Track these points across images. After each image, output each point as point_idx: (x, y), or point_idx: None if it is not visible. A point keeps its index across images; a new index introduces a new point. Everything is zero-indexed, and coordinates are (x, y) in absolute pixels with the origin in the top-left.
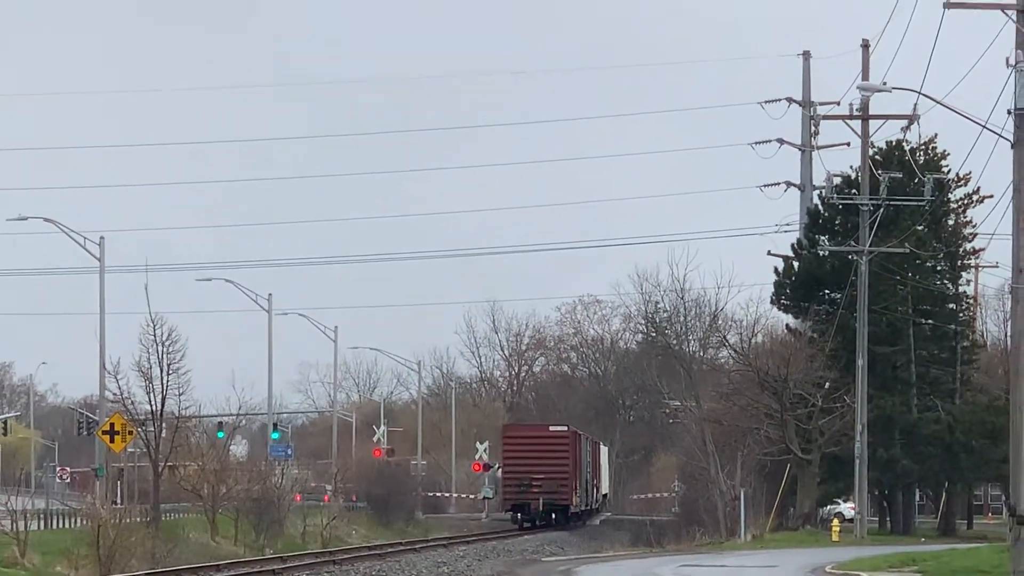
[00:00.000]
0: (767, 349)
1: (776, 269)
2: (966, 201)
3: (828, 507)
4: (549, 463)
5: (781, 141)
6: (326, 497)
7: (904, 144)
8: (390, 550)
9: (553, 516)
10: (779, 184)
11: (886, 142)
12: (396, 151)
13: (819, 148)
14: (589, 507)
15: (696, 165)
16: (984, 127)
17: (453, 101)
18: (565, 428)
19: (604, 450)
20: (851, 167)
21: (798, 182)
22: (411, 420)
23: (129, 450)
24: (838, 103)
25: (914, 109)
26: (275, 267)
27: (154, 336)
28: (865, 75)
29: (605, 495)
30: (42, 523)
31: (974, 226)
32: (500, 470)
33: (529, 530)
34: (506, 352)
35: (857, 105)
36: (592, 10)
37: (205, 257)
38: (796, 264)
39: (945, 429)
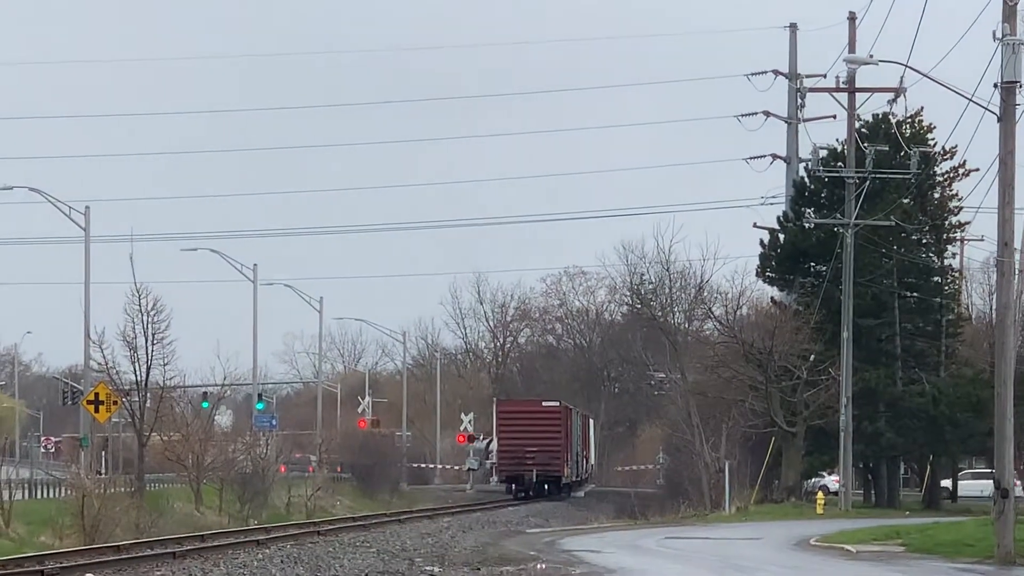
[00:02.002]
0: (752, 321)
1: (762, 241)
2: (952, 174)
3: (813, 480)
4: (542, 437)
5: (767, 113)
6: (311, 468)
7: (890, 117)
8: (374, 521)
9: (546, 487)
10: (765, 156)
11: (872, 115)
12: (382, 122)
13: (805, 120)
14: (580, 478)
15: (682, 137)
16: (971, 100)
17: (439, 73)
18: (557, 403)
19: (592, 423)
20: (837, 140)
21: (784, 154)
22: (396, 391)
23: (114, 420)
24: (824, 76)
25: (900, 82)
26: (261, 237)
27: (139, 306)
28: (852, 48)
29: (593, 466)
30: (26, 493)
31: (960, 199)
32: (495, 443)
33: (518, 501)
34: (491, 323)
35: (844, 78)
36: None
37: (191, 227)
38: (782, 236)
39: (930, 402)
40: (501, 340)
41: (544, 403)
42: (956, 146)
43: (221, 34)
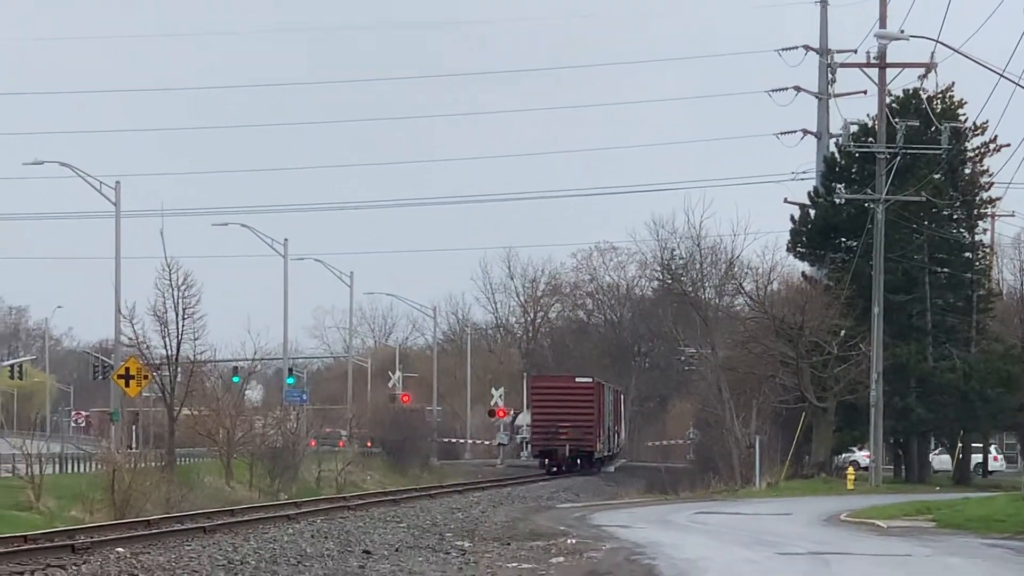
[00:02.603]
0: (783, 297)
1: (792, 217)
2: (983, 150)
3: (843, 455)
4: (575, 412)
5: (798, 89)
6: (341, 443)
7: (921, 92)
8: (404, 496)
9: (579, 461)
10: (796, 132)
11: (903, 90)
12: (414, 97)
13: (836, 96)
14: (611, 453)
15: (713, 113)
16: (1001, 76)
17: (471, 48)
18: (590, 379)
19: (623, 398)
20: (868, 115)
21: (815, 130)
22: (426, 366)
23: (144, 394)
24: (855, 51)
25: (931, 57)
26: (291, 212)
27: (169, 281)
28: (883, 23)
29: (624, 441)
30: (57, 467)
31: (991, 175)
32: (526, 418)
33: (548, 476)
34: (522, 298)
35: (874, 53)
36: None
37: (221, 202)
38: (812, 212)
39: (960, 378)
40: (531, 315)
41: (577, 379)
42: (987, 121)
43: (260, 6)
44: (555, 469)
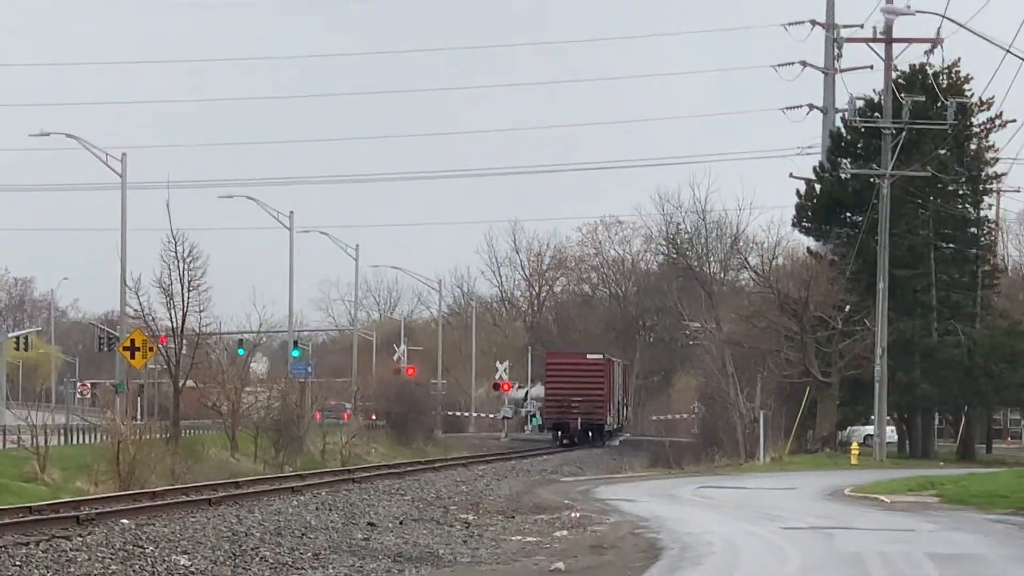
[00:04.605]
0: (788, 271)
1: (798, 191)
2: (989, 125)
3: (848, 429)
4: (587, 387)
5: (804, 64)
6: (345, 415)
7: (927, 68)
8: (409, 468)
9: (590, 434)
10: (802, 107)
11: (909, 65)
12: (421, 69)
13: (842, 71)
14: (620, 425)
15: (719, 87)
16: (1008, 51)
17: (477, 20)
18: (601, 356)
19: (630, 373)
20: (874, 90)
21: (821, 105)
22: (431, 339)
23: (150, 366)
24: (862, 26)
25: (938, 33)
26: (297, 185)
27: (175, 253)
28: None
29: (629, 415)
30: (62, 438)
31: (996, 150)
32: (531, 391)
33: (553, 450)
34: (527, 272)
35: (881, 28)
36: None
37: (227, 175)
38: (818, 187)
39: (965, 353)
40: (537, 289)
41: (589, 356)
42: (993, 97)
43: None
44: (566, 441)
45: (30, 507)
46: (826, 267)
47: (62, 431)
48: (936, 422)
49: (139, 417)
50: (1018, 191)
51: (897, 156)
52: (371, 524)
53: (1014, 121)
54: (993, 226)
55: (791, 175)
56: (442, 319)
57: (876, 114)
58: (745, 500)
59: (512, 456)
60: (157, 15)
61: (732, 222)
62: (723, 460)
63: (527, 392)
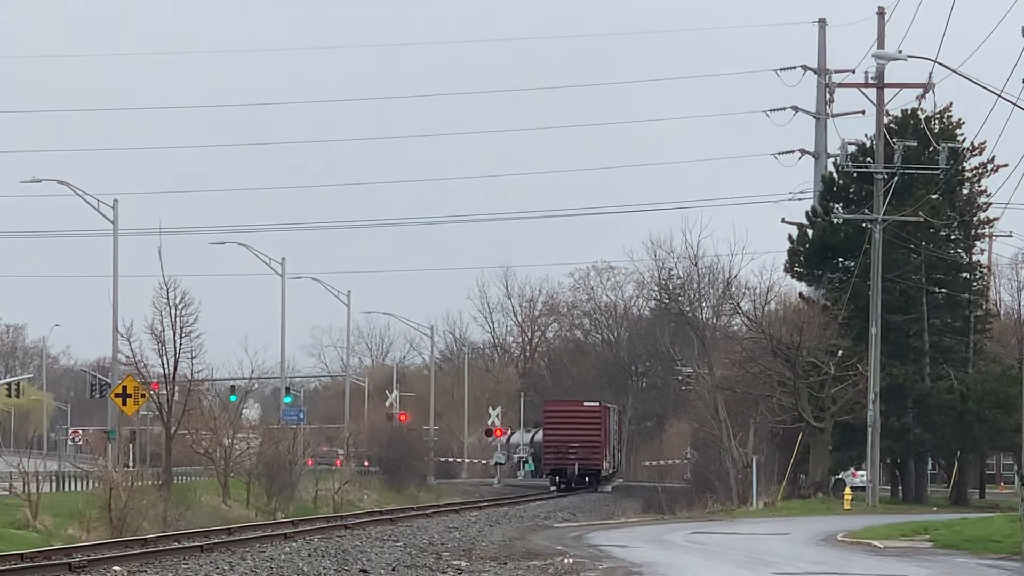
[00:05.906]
0: (780, 317)
1: (790, 237)
2: (981, 170)
3: (841, 474)
4: (583, 434)
5: (796, 109)
6: (338, 462)
7: (919, 112)
8: (401, 515)
9: (586, 479)
10: (794, 152)
11: (901, 110)
12: (412, 115)
13: (834, 116)
14: (615, 470)
15: (711, 132)
16: (999, 96)
17: (472, 66)
18: (597, 404)
19: (623, 419)
20: (866, 135)
21: (813, 150)
22: (423, 385)
23: (141, 413)
24: (853, 71)
25: (929, 78)
26: (289, 231)
27: (167, 299)
28: (881, 43)
29: (622, 461)
30: (54, 485)
31: (988, 195)
32: (523, 436)
33: (546, 495)
34: (519, 318)
35: (872, 73)
36: None
37: (219, 221)
38: (810, 232)
39: (957, 398)
40: (529, 335)
41: (586, 403)
42: (985, 142)
43: (262, 24)
44: (564, 485)
45: (22, 554)
46: (818, 312)
47: (54, 478)
48: (929, 467)
49: (131, 464)
50: (1010, 235)
51: (889, 201)
52: (364, 571)
53: (1006, 166)
54: (985, 271)
55: (783, 220)
56: (434, 365)
57: (868, 159)
58: (738, 546)
59: (505, 502)
60: (148, 61)
61: (724, 267)
62: (716, 505)
63: (532, 435)
